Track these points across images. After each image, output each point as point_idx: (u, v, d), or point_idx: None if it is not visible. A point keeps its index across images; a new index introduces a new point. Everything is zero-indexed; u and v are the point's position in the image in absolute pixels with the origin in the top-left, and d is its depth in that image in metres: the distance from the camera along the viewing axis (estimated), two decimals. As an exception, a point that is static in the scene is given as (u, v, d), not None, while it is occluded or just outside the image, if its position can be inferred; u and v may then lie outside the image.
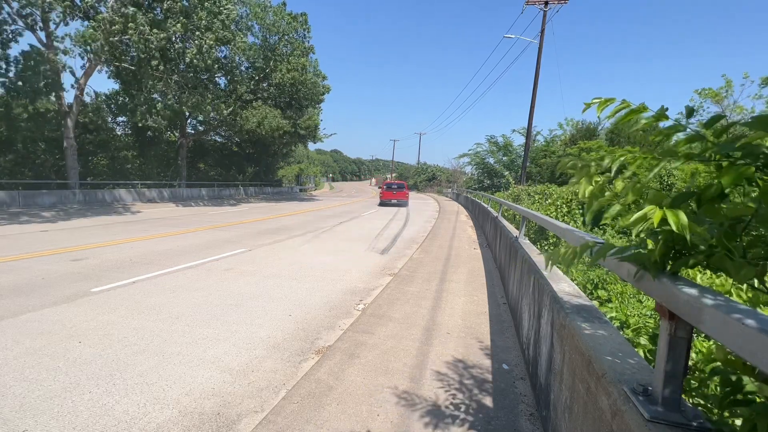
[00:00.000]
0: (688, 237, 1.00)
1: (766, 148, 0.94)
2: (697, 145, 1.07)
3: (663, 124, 1.16)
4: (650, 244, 1.17)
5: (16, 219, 11.59)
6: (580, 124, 24.16)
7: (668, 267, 1.16)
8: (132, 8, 14.31)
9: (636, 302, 3.94)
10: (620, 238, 6.67)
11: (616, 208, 1.26)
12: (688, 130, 1.08)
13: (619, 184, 1.26)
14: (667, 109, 1.14)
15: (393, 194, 23.82)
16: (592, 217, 1.36)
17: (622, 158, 1.24)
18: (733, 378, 1.10)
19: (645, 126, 1.18)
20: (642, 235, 1.18)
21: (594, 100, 1.29)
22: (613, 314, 3.09)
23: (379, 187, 32.04)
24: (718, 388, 1.19)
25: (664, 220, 1.03)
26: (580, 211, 11.04)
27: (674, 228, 1.00)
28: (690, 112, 1.15)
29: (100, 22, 14.10)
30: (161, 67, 15.84)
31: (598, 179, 1.33)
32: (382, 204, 23.94)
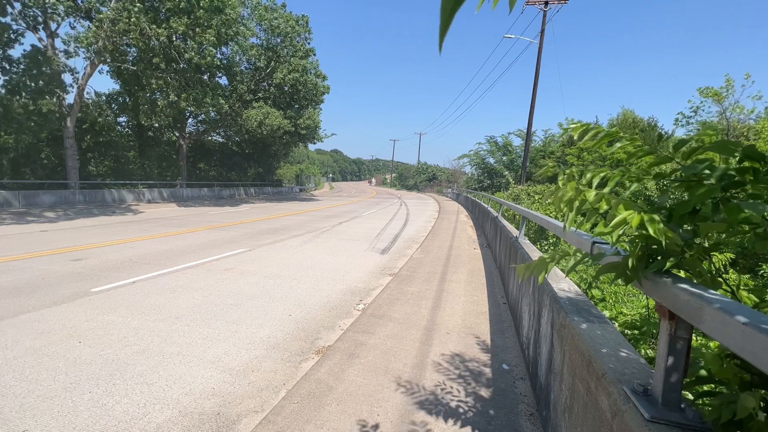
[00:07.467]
0: (663, 241, 1.05)
1: (728, 168, 1.02)
2: (668, 165, 1.17)
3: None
4: (629, 249, 1.23)
5: (16, 219, 11.59)
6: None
7: (644, 271, 1.19)
8: (138, 4, 14.29)
9: (630, 300, 3.94)
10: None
11: (593, 214, 1.37)
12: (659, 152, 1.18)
13: (590, 195, 1.33)
14: (637, 133, 1.28)
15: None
16: (572, 222, 1.42)
17: (602, 174, 1.35)
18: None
19: (621, 149, 1.32)
20: (623, 239, 1.24)
21: (571, 125, 1.41)
22: (607, 313, 3.09)
23: (371, 183, 65.88)
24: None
25: (641, 225, 1.09)
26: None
27: (651, 232, 1.06)
28: (660, 137, 1.24)
29: (102, 21, 14.09)
30: (162, 66, 15.83)
31: (579, 187, 1.42)
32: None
